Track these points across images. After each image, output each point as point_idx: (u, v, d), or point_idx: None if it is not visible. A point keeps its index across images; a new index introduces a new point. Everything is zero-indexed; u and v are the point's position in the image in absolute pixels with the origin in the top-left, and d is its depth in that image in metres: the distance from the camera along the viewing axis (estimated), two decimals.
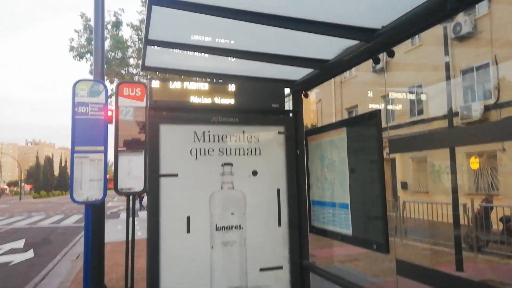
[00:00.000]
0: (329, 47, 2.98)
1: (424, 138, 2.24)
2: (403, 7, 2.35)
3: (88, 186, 4.75)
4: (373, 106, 18.67)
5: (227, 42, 3.01)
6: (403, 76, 17.70)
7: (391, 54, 2.54)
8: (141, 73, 15.75)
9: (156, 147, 3.23)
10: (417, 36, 17.27)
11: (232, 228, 3.37)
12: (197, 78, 4.04)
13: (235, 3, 2.35)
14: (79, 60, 14.97)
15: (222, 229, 3.34)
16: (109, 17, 15.38)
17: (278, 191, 3.52)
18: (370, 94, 17.81)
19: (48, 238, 14.75)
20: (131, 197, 5.48)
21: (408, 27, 2.42)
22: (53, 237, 15.08)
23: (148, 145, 3.27)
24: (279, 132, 3.60)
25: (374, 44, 2.58)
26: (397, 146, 2.41)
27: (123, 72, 15.34)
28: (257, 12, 2.40)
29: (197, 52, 3.29)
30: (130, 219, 5.39)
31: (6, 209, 37.97)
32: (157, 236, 3.18)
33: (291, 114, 3.72)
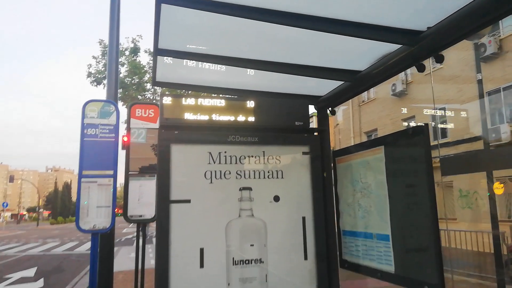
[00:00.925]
0: (362, 56, 2.64)
1: (489, 156, 1.82)
2: (455, 4, 2.00)
3: (95, 213, 4.42)
4: (395, 129, 18.06)
5: (246, 51, 2.70)
6: (424, 99, 17.19)
7: (439, 59, 2.17)
8: (158, 98, 15.75)
9: (166, 169, 2.88)
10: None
11: (251, 262, 2.95)
12: (207, 94, 3.74)
13: (254, 0, 2.04)
14: (97, 86, 15.14)
15: (240, 263, 2.93)
16: (127, 44, 15.64)
17: (304, 219, 3.10)
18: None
19: (60, 266, 14.41)
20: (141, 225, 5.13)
21: (460, 27, 2.06)
22: (66, 265, 14.74)
23: (158, 168, 2.93)
24: (304, 153, 3.22)
25: (418, 48, 2.22)
26: (452, 166, 1.99)
27: (139, 97, 15.38)
28: (282, 12, 2.08)
29: (213, 65, 3.00)
30: (140, 250, 5.03)
31: (22, 235, 38.12)
32: (166, 271, 2.79)
33: (316, 133, 3.34)
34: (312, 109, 3.51)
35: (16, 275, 12.10)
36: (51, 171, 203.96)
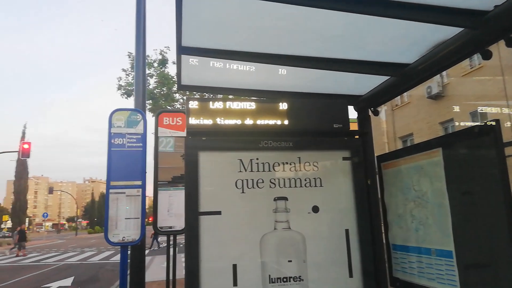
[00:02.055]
0: (411, 46, 2.31)
1: None
2: None
3: (124, 225, 4.27)
4: (432, 134, 17.20)
5: (278, 46, 2.44)
6: (462, 101, 16.26)
7: (510, 43, 1.81)
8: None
9: (194, 179, 2.66)
10: (475, 57, 16.01)
11: (290, 280, 2.67)
12: (236, 96, 3.50)
13: None
14: (127, 98, 15.35)
15: (277, 282, 2.66)
16: (155, 56, 15.80)
17: (347, 232, 2.78)
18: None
19: (96, 275, 14.58)
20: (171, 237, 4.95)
21: None
22: (101, 274, 14.90)
23: (185, 177, 2.71)
24: (344, 158, 2.91)
25: (483, 31, 1.88)
26: None
27: (169, 107, 15.46)
28: None
29: (242, 65, 2.76)
30: (171, 262, 4.85)
31: (62, 244, 39.44)
32: None
33: (357, 136, 3.02)
34: (351, 110, 3.19)
35: (54, 285, 12.33)
36: (88, 183, 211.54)
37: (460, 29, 2.00)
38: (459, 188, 2.09)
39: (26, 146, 26.64)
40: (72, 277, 13.86)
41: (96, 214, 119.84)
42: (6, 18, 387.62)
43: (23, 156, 27.27)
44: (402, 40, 2.29)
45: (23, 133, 44.99)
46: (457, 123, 16.58)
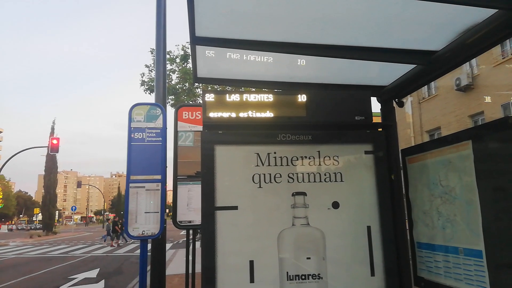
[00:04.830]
0: (438, 32, 2.17)
1: None
2: None
3: (144, 219, 4.28)
4: (461, 127, 16.60)
5: (298, 34, 2.33)
6: (494, 93, 15.58)
7: None
8: None
9: (210, 173, 2.61)
10: (508, 46, 15.28)
11: (308, 278, 2.59)
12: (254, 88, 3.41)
13: None
14: (150, 94, 15.53)
15: (295, 279, 2.58)
16: (177, 51, 15.91)
17: (369, 229, 2.66)
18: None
19: (120, 268, 14.93)
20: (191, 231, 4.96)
21: None
22: (126, 267, 15.24)
23: (201, 171, 2.66)
24: (366, 152, 2.79)
25: None
26: None
27: (191, 102, 15.56)
28: None
29: (259, 56, 2.68)
30: (190, 256, 4.85)
31: (89, 236, 40.76)
32: (213, 286, 2.51)
33: (380, 129, 2.89)
34: (374, 101, 3.05)
35: (80, 276, 12.68)
36: (115, 177, 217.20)
37: (494, 11, 1.84)
38: (491, 183, 1.94)
39: (55, 141, 27.57)
40: (98, 269, 14.24)
41: (122, 207, 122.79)
42: (36, 19, 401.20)
43: (52, 151, 28.26)
44: (429, 25, 2.14)
45: (52, 129, 46.48)
46: (488, 116, 15.91)
